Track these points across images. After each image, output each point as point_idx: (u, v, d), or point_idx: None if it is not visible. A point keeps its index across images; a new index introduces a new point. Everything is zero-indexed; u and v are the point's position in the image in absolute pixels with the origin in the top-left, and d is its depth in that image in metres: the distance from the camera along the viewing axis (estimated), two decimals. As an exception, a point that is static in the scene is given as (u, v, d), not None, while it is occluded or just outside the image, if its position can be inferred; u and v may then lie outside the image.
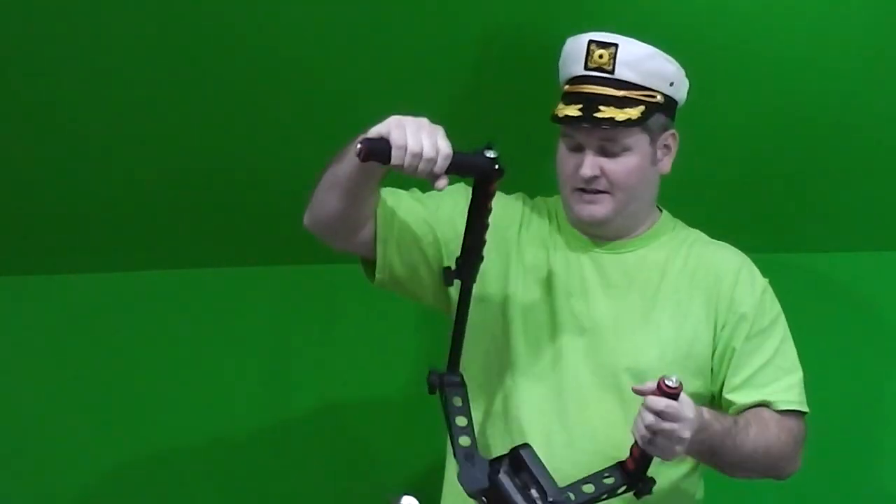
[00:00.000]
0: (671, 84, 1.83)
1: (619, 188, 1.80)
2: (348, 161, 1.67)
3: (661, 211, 1.93)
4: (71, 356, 2.59)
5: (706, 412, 1.67)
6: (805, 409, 1.83)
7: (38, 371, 2.59)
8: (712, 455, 1.73)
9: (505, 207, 1.88)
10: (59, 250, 2.57)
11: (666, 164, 1.87)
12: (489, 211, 1.68)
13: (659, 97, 1.81)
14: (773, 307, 1.86)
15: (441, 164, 1.57)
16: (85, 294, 2.61)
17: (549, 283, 1.84)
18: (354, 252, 1.85)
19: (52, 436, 2.58)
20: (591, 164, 1.79)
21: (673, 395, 1.57)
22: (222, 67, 2.23)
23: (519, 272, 1.86)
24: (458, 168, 1.60)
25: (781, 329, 1.85)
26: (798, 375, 1.83)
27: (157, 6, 2.14)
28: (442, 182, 1.59)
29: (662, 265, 1.85)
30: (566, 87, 1.84)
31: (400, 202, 1.84)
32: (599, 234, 1.86)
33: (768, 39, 2.16)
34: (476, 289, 1.77)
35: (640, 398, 1.62)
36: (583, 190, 1.81)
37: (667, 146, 1.86)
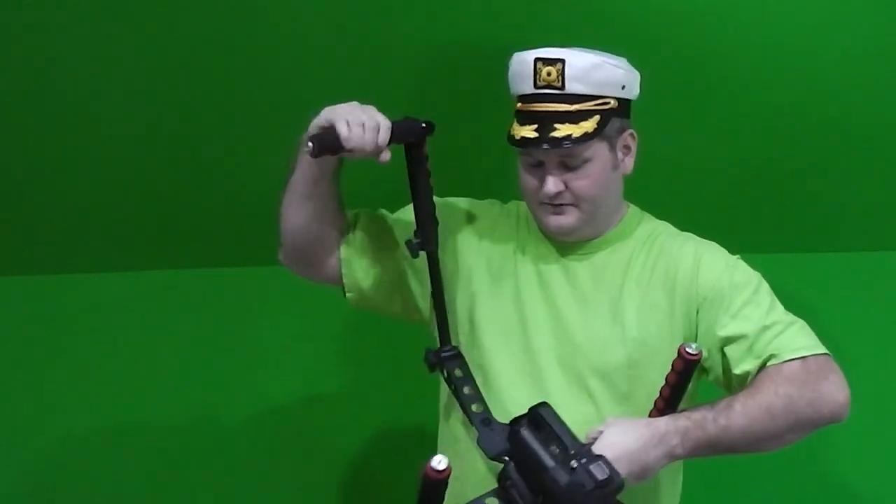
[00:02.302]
0: (623, 87, 1.81)
1: (584, 200, 1.79)
2: (300, 167, 1.77)
3: (628, 206, 1.92)
4: (71, 356, 2.59)
5: (663, 422, 1.64)
6: (812, 351, 1.74)
7: (37, 371, 2.59)
8: (714, 447, 1.69)
9: (476, 212, 1.91)
10: (59, 250, 2.57)
11: (628, 165, 1.86)
12: (429, 173, 1.75)
13: (612, 102, 1.79)
14: (750, 277, 1.82)
15: (384, 133, 1.67)
16: (85, 294, 2.62)
17: (517, 288, 1.84)
18: (331, 282, 1.91)
19: (51, 435, 2.58)
20: (553, 182, 1.78)
21: (693, 360, 1.60)
22: (222, 67, 2.23)
23: (485, 278, 1.87)
24: (395, 135, 1.69)
25: (765, 294, 1.80)
26: (797, 325, 1.77)
27: (157, 6, 2.15)
28: (385, 155, 1.69)
29: (626, 262, 1.84)
30: (518, 104, 1.82)
31: (360, 219, 1.91)
32: (568, 240, 1.87)
33: (768, 40, 2.16)
34: (447, 294, 1.83)
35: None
36: (549, 203, 1.81)
37: (626, 147, 1.84)
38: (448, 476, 1.51)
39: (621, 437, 1.62)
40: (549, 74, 1.76)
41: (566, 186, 1.78)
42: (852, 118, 2.25)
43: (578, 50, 1.78)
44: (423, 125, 1.72)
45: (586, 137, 1.75)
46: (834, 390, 1.71)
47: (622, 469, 1.58)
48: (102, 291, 2.61)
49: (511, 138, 1.80)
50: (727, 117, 2.27)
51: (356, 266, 1.89)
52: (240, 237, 2.52)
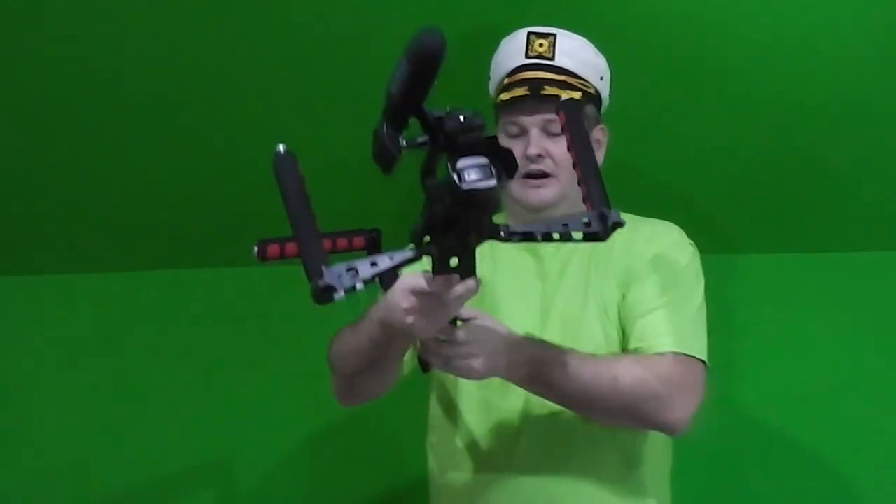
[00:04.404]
0: (601, 78, 1.89)
1: (563, 168, 1.81)
2: (381, 349, 1.68)
3: None
4: (71, 356, 2.59)
5: (526, 340, 1.65)
6: (689, 353, 1.72)
7: (37, 371, 2.59)
8: (548, 386, 1.67)
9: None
10: (59, 250, 2.58)
11: (599, 158, 1.86)
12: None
13: (592, 89, 1.87)
14: (677, 263, 1.82)
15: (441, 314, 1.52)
16: (85, 294, 2.62)
17: (494, 285, 1.85)
18: None
19: (51, 435, 2.58)
20: (536, 142, 1.81)
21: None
22: (224, 67, 2.23)
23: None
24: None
25: (685, 286, 1.80)
26: (689, 327, 1.75)
27: (158, 6, 2.15)
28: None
29: (569, 255, 1.85)
30: (506, 79, 1.86)
31: None
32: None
33: (768, 40, 2.16)
34: None
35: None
36: (529, 176, 1.82)
37: (597, 140, 1.87)
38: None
39: (496, 327, 1.61)
40: (540, 46, 1.86)
41: (547, 153, 1.82)
42: (852, 118, 2.25)
43: (567, 31, 1.88)
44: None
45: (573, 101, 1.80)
46: (684, 404, 1.70)
47: (486, 353, 1.57)
48: (102, 291, 2.61)
49: (500, 102, 1.84)
50: (726, 117, 2.27)
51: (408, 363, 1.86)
52: (240, 237, 2.52)
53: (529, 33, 1.87)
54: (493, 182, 1.24)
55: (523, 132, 1.83)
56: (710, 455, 2.37)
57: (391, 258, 1.32)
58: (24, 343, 2.61)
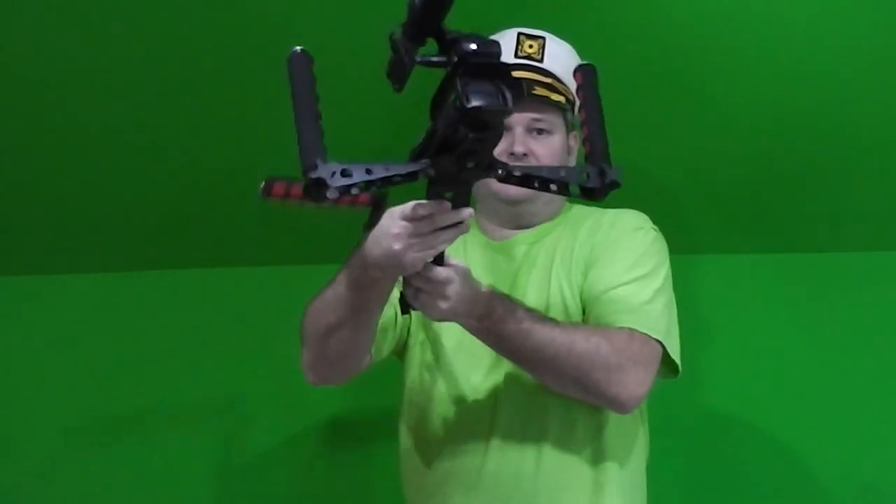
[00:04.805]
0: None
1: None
2: (356, 297, 1.62)
3: (563, 201, 1.95)
4: (71, 356, 2.59)
5: (489, 290, 1.63)
6: (647, 331, 1.72)
7: (37, 371, 2.59)
8: (500, 341, 1.66)
9: None
10: (59, 250, 2.58)
11: (571, 162, 1.93)
12: None
13: (571, 96, 1.90)
14: (638, 247, 1.83)
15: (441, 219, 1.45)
16: (85, 294, 2.62)
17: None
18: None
19: (51, 435, 2.58)
20: (521, 140, 1.85)
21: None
22: (224, 67, 2.23)
23: None
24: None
25: (645, 268, 1.80)
26: (648, 307, 1.75)
27: (157, 6, 2.15)
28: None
29: (537, 252, 1.87)
30: None
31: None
32: (516, 222, 1.90)
33: (768, 40, 2.16)
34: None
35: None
36: None
37: (570, 146, 1.93)
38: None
39: (473, 280, 1.59)
40: (530, 47, 1.89)
41: (530, 151, 1.85)
42: (852, 118, 2.25)
43: (554, 36, 1.92)
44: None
45: (558, 105, 1.87)
46: (637, 380, 1.69)
47: (456, 298, 1.54)
48: (102, 291, 2.61)
49: None
50: (725, 116, 2.27)
51: (381, 349, 1.86)
52: (240, 237, 2.53)
53: (520, 34, 1.90)
54: (499, 103, 1.24)
55: (507, 129, 1.83)
56: (683, 455, 2.38)
57: (386, 168, 1.31)
58: (23, 343, 2.61)
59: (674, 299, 1.82)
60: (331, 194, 1.26)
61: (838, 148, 2.31)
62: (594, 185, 1.38)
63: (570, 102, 1.90)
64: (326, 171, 1.25)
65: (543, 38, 1.91)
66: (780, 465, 2.41)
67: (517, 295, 1.82)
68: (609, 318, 1.74)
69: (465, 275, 1.56)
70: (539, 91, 1.85)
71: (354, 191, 1.28)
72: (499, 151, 1.78)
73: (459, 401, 1.83)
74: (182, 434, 2.57)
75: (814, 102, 2.23)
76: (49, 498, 2.57)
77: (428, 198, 1.41)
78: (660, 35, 2.15)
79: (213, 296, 2.61)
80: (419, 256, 1.47)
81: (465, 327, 1.66)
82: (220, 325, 2.60)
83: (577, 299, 1.82)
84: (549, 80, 1.88)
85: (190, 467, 2.56)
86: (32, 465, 2.58)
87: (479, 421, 1.80)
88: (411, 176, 1.35)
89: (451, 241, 1.47)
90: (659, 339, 1.74)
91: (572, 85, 1.85)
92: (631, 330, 1.72)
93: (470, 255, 1.86)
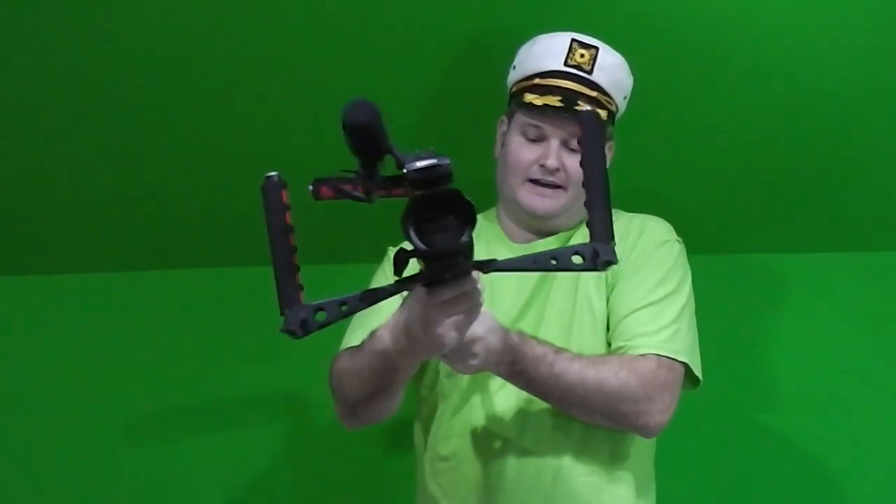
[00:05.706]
0: (625, 97, 1.90)
1: (573, 182, 1.82)
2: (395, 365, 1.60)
3: None
4: (71, 356, 2.59)
5: (515, 336, 1.64)
6: (670, 354, 1.74)
7: (37, 371, 2.59)
8: (530, 383, 1.68)
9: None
10: (60, 250, 2.57)
11: None
12: None
13: (614, 107, 1.88)
14: (664, 262, 1.83)
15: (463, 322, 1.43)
16: (85, 294, 2.61)
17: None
18: None
19: (51, 435, 2.58)
20: (556, 154, 1.82)
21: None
22: (225, 66, 2.23)
23: None
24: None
25: (671, 285, 1.81)
26: (673, 327, 1.76)
27: (157, 6, 2.15)
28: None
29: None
30: (537, 79, 1.85)
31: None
32: (536, 228, 1.89)
33: (768, 40, 2.16)
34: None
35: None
36: (536, 182, 1.84)
37: (606, 157, 1.89)
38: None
39: (494, 325, 1.58)
40: (581, 56, 1.84)
41: (563, 166, 1.83)
42: (853, 118, 2.25)
43: (609, 47, 1.86)
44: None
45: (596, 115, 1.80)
46: (663, 407, 1.73)
47: (484, 352, 1.55)
48: (103, 291, 2.61)
49: (529, 104, 1.82)
50: (726, 116, 2.27)
51: None
52: (240, 237, 2.52)
53: (573, 40, 1.85)
54: (449, 238, 1.23)
55: (542, 138, 1.84)
56: (709, 457, 2.38)
57: (361, 298, 1.31)
58: (24, 343, 2.61)
59: (694, 309, 1.84)
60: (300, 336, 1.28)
61: (840, 147, 2.31)
62: (587, 267, 1.36)
63: (612, 113, 1.88)
64: (294, 319, 1.28)
65: (597, 48, 1.85)
66: (792, 461, 2.42)
67: (543, 300, 1.83)
68: (633, 342, 1.75)
69: (492, 328, 1.57)
70: (583, 106, 1.80)
71: (315, 329, 1.29)
72: (530, 160, 1.83)
73: (478, 405, 1.82)
74: (182, 434, 2.57)
75: (814, 103, 2.24)
76: (48, 498, 2.58)
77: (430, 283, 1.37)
78: (654, 35, 2.15)
79: (213, 296, 2.60)
80: (463, 332, 1.44)
81: (494, 374, 1.68)
82: (221, 325, 2.59)
83: (604, 303, 1.82)
84: (594, 94, 1.84)
85: (190, 467, 2.56)
86: (32, 464, 2.58)
87: (498, 425, 1.81)
88: (392, 294, 1.34)
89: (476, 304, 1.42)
90: (684, 360, 1.76)
91: (619, 95, 1.88)
92: (658, 357, 1.74)
93: (493, 255, 1.84)
